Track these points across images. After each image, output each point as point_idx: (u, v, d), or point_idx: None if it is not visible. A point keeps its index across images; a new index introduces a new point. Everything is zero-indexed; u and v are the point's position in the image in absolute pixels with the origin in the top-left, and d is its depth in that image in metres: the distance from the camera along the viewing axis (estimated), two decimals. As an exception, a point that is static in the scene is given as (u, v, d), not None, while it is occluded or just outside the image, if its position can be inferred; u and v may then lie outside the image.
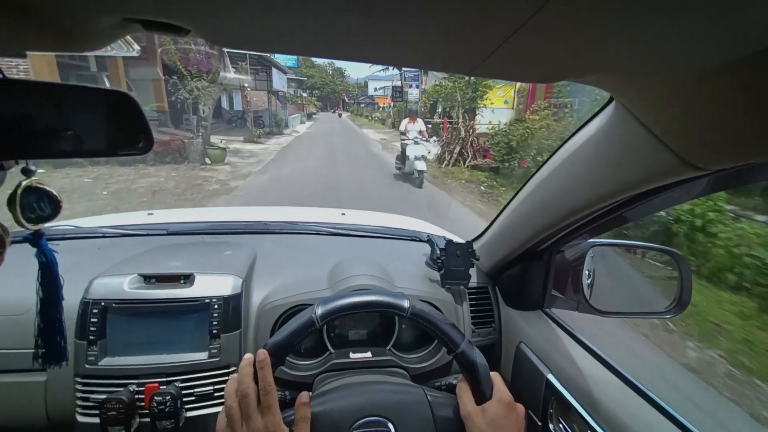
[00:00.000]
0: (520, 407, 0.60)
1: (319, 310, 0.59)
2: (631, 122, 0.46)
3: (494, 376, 0.62)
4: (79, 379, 0.75)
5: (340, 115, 43.18)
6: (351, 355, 0.87)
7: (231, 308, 0.83)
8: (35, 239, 0.50)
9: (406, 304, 0.61)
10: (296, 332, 0.58)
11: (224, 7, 0.28)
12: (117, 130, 0.47)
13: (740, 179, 0.46)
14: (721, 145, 0.38)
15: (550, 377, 0.79)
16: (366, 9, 0.27)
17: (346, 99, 66.77)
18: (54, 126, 0.43)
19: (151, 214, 1.44)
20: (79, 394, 0.75)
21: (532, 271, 0.93)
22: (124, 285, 0.80)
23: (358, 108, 56.26)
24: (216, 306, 0.81)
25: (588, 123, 0.58)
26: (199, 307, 0.81)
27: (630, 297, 1.02)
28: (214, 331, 0.80)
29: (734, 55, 0.30)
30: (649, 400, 0.65)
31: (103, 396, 0.73)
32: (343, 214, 1.58)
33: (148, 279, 0.83)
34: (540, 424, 0.80)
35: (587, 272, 0.92)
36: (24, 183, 0.44)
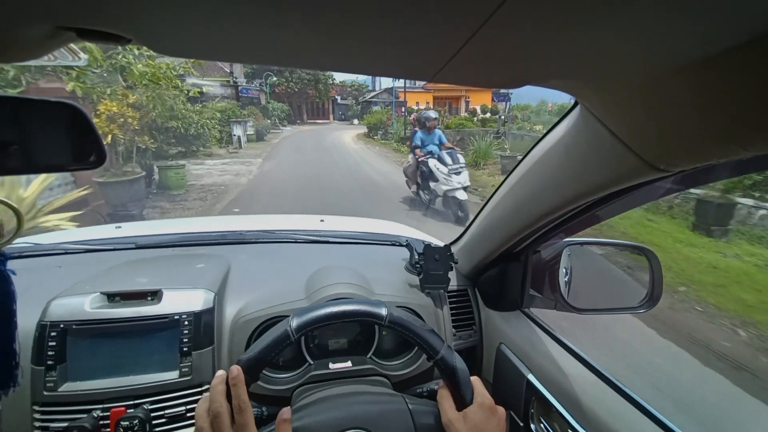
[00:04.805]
0: (501, 410, 0.60)
1: (294, 323, 0.58)
2: (595, 125, 0.46)
3: (474, 380, 0.61)
4: (37, 408, 0.70)
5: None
6: (330, 365, 0.85)
7: (202, 324, 0.79)
8: None
9: (383, 312, 0.60)
10: (271, 346, 0.56)
11: (164, 14, 0.26)
12: (66, 143, 0.44)
13: (701, 179, 0.47)
14: (679, 148, 0.39)
15: (531, 377, 0.80)
16: (315, 15, 0.26)
17: (339, 99, 36.01)
18: None
19: (119, 227, 1.38)
20: (37, 424, 0.70)
21: (510, 272, 0.94)
22: (85, 305, 0.76)
23: (366, 112, 26.78)
24: (186, 322, 0.78)
25: (556, 126, 0.59)
26: (167, 324, 0.77)
27: (605, 293, 1.04)
28: (185, 349, 0.77)
29: (688, 58, 0.30)
30: (626, 397, 0.66)
31: (65, 424, 0.68)
32: (322, 220, 1.56)
33: (112, 297, 0.78)
34: (522, 424, 0.80)
35: (564, 270, 0.93)
36: None
